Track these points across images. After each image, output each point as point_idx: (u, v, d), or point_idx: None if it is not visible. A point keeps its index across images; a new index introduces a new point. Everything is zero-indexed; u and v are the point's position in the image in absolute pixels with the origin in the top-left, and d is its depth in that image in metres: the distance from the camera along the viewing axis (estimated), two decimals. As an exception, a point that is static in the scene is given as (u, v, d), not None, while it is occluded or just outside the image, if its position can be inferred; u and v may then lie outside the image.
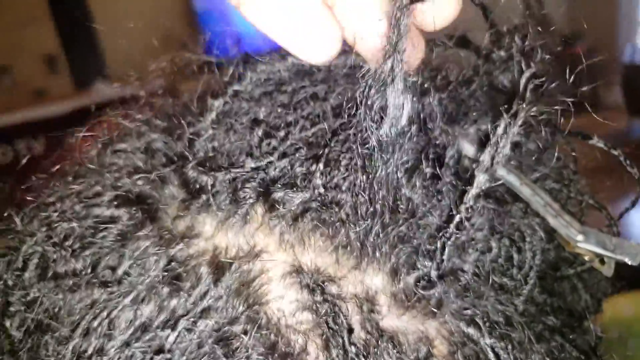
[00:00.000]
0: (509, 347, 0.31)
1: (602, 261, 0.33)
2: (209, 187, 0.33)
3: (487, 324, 0.31)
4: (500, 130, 0.30)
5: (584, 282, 0.38)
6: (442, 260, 0.31)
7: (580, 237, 0.32)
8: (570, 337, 0.36)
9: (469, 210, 0.31)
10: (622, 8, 3.94)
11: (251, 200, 0.32)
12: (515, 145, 0.35)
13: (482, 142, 0.34)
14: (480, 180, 0.30)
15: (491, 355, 0.31)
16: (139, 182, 0.34)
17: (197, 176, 0.33)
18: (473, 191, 0.30)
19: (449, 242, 0.31)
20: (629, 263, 0.32)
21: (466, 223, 0.31)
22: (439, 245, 0.31)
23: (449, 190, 0.32)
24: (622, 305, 1.19)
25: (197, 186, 0.33)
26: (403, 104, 0.29)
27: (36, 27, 2.49)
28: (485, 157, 0.30)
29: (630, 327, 1.17)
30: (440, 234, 0.31)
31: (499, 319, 0.32)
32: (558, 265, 0.37)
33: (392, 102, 0.29)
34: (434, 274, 0.31)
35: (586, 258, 0.34)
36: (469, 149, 0.33)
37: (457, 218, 0.31)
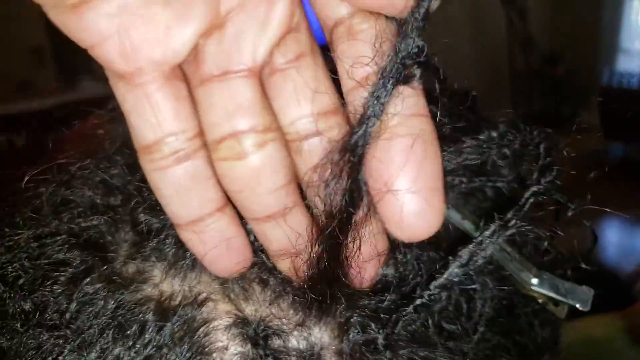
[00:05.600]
0: None
1: (556, 303, 0.35)
2: (158, 231, 0.32)
3: None
4: (487, 233, 0.31)
5: (540, 319, 0.39)
6: (393, 332, 0.30)
7: (534, 281, 0.33)
8: None
9: (432, 298, 0.31)
10: (604, 31, 4.00)
11: None
12: (473, 189, 0.36)
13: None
14: (453, 272, 0.30)
15: None
16: (94, 222, 0.34)
17: (148, 219, 0.33)
18: (441, 280, 0.30)
19: (404, 319, 0.30)
20: (580, 309, 0.34)
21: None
22: (393, 319, 0.30)
23: (413, 261, 0.33)
24: (593, 327, 1.21)
25: (148, 229, 0.33)
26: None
27: (25, 19, 2.47)
28: (464, 254, 0.30)
29: (601, 347, 1.19)
30: (399, 309, 0.31)
31: None
32: (514, 304, 0.37)
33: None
34: (381, 342, 0.30)
35: (540, 301, 0.35)
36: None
37: (417, 302, 0.31)
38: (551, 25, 3.95)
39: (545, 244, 0.38)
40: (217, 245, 0.30)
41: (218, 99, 0.27)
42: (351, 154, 0.28)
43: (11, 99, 2.46)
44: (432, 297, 0.31)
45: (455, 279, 0.30)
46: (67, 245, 0.33)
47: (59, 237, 0.33)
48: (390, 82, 0.27)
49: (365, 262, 0.30)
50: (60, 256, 0.32)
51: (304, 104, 0.28)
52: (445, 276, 0.30)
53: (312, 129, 0.28)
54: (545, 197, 0.33)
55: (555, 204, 0.35)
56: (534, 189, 0.33)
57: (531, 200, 0.32)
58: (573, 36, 3.51)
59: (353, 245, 0.30)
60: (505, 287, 0.36)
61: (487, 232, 0.31)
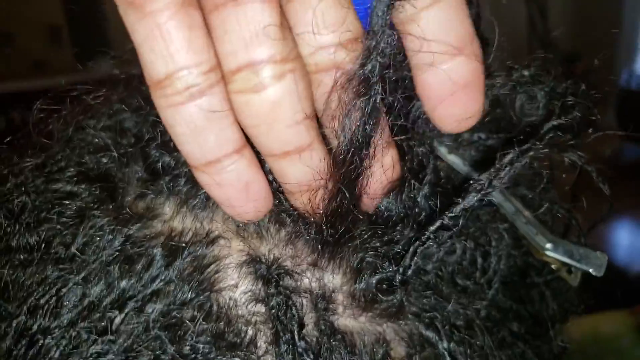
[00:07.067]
0: (468, 351, 0.32)
1: (569, 270, 0.34)
2: (171, 168, 0.32)
3: (447, 327, 0.32)
4: (506, 159, 0.30)
5: (552, 290, 0.39)
6: (410, 266, 0.30)
7: (549, 246, 0.33)
8: (533, 344, 0.36)
9: (451, 221, 0.30)
10: (623, 32, 3.96)
11: None
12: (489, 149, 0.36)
13: (458, 146, 0.35)
14: (471, 199, 0.30)
15: (448, 359, 0.31)
16: (104, 160, 0.34)
17: (160, 156, 0.33)
18: (461, 206, 0.30)
19: (421, 249, 0.30)
20: (593, 274, 0.33)
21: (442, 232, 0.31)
22: (410, 250, 0.30)
23: (425, 196, 0.32)
24: (602, 323, 1.20)
25: (159, 167, 0.33)
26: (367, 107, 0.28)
27: (42, -1, 2.48)
28: (483, 179, 0.30)
29: (609, 344, 1.19)
30: (414, 239, 0.30)
31: (459, 323, 0.32)
32: (527, 272, 0.37)
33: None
34: (398, 278, 0.30)
35: (553, 267, 0.35)
36: (443, 152, 0.34)
37: (437, 224, 0.30)
38: (571, 24, 3.91)
39: (558, 207, 0.38)
40: (235, 189, 0.29)
41: (233, 26, 0.25)
42: (364, 84, 0.27)
43: (27, 77, 2.47)
44: (453, 219, 0.30)
45: (475, 204, 0.30)
46: (75, 179, 0.32)
47: (68, 171, 0.33)
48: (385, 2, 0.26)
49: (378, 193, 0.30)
50: (68, 188, 0.32)
51: (324, 33, 0.26)
52: (466, 200, 0.30)
53: (332, 60, 0.27)
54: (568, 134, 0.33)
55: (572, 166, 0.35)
56: (554, 122, 0.32)
57: (551, 134, 0.32)
58: (592, 36, 3.49)
59: (368, 177, 0.29)
60: (520, 247, 0.36)
61: (506, 159, 0.30)
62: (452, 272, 0.33)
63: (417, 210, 0.32)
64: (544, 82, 0.35)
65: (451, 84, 0.28)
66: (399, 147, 0.31)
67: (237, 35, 0.25)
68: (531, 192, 0.38)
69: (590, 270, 0.33)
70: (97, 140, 0.35)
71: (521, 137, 0.33)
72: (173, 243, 0.30)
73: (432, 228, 0.30)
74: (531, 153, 0.31)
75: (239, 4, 0.25)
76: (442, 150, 0.34)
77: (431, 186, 0.33)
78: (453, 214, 0.30)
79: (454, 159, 0.34)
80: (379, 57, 0.26)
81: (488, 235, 0.35)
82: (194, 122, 0.27)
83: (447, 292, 0.33)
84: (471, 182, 0.30)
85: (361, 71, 0.26)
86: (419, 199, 0.32)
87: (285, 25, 0.26)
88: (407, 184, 0.32)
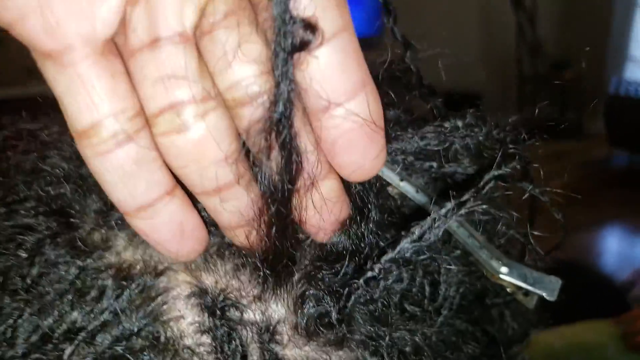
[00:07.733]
0: None
1: (525, 293, 0.34)
2: None
3: (394, 354, 0.32)
4: (442, 211, 0.30)
5: (512, 311, 0.39)
6: (345, 307, 0.31)
7: (503, 269, 0.33)
8: None
9: (382, 272, 0.30)
10: (613, 40, 4.00)
11: None
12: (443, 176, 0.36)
13: (407, 169, 0.35)
14: (404, 247, 0.30)
15: None
16: (62, 191, 0.33)
17: None
18: (392, 255, 0.30)
19: (356, 293, 0.31)
20: (547, 298, 0.33)
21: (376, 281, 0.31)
22: (344, 293, 0.31)
23: (371, 231, 0.32)
24: (587, 332, 1.21)
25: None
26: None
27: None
28: (416, 230, 0.30)
29: (590, 353, 1.20)
30: (350, 282, 0.31)
31: (407, 349, 0.32)
32: (484, 294, 0.37)
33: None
34: (334, 316, 0.31)
35: (508, 290, 0.35)
36: (395, 180, 0.34)
37: (368, 274, 0.30)
38: (560, 31, 3.95)
39: (514, 232, 0.38)
40: (170, 231, 0.29)
41: (151, 70, 0.25)
42: (277, 130, 0.26)
43: (18, 83, 2.46)
44: (383, 270, 0.30)
45: (407, 254, 0.30)
46: (33, 211, 0.32)
47: (28, 203, 0.33)
48: (284, 55, 0.25)
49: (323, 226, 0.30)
50: (26, 221, 0.32)
51: (236, 67, 0.26)
52: (396, 250, 0.30)
53: (248, 93, 0.26)
54: (506, 183, 0.33)
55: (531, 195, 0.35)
56: (495, 172, 0.32)
57: (491, 183, 0.32)
58: (581, 43, 3.52)
59: (301, 214, 0.29)
60: (472, 273, 0.36)
61: (443, 210, 0.30)
62: (401, 299, 0.33)
63: (362, 245, 0.32)
64: (478, 132, 0.35)
65: (339, 131, 0.28)
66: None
67: (155, 79, 0.25)
68: (486, 217, 0.37)
69: (544, 295, 0.33)
70: (57, 171, 0.35)
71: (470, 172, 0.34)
72: (123, 275, 0.31)
73: (363, 277, 0.30)
74: (468, 206, 0.31)
75: (154, 48, 0.25)
76: (394, 179, 0.34)
77: (375, 222, 0.33)
78: (382, 265, 0.30)
79: (406, 187, 0.34)
80: (285, 105, 0.26)
81: (438, 263, 0.35)
82: (122, 169, 0.27)
83: (395, 319, 0.33)
84: (403, 233, 0.30)
85: (269, 120, 0.26)
86: (365, 235, 0.32)
87: (203, 63, 0.26)
88: (351, 220, 0.32)
